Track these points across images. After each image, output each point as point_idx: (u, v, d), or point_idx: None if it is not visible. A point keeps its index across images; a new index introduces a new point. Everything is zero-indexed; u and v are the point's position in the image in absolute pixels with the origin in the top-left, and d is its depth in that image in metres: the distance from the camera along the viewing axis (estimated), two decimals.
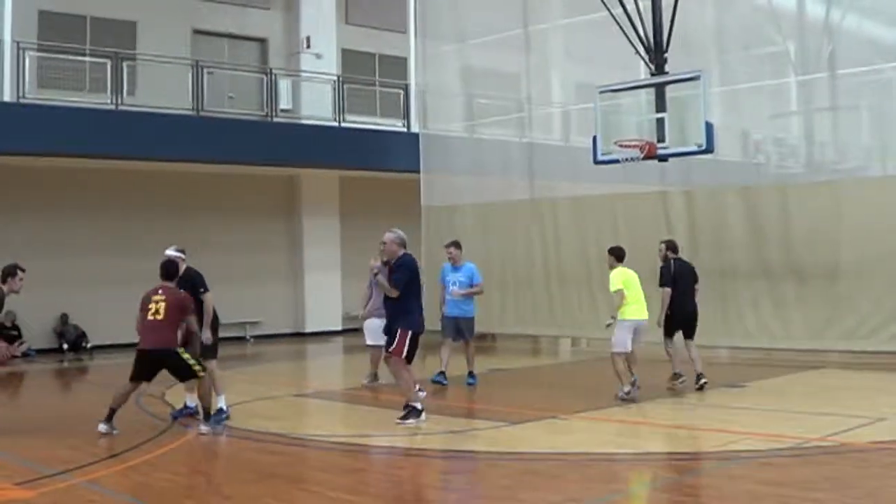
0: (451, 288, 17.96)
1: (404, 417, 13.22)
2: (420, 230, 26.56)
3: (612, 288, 15.70)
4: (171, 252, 14.08)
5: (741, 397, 15.36)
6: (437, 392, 16.52)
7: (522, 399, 15.68)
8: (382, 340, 14.54)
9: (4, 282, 12.99)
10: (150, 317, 13.12)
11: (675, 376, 16.45)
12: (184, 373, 13.17)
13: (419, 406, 13.30)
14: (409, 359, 13.50)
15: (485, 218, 24.85)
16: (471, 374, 17.87)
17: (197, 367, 13.05)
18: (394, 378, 13.73)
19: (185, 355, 13.04)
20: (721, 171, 21.81)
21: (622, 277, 15.78)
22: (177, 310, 13.17)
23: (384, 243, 14.37)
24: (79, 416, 14.65)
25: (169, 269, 13.74)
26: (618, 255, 16.21)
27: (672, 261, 16.75)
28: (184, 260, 14.10)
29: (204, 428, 13.06)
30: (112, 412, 12.93)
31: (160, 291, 13.35)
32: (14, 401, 18.56)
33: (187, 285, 13.82)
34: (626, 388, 15.07)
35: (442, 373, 17.56)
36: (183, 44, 28.75)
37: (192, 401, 14.03)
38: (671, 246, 17.03)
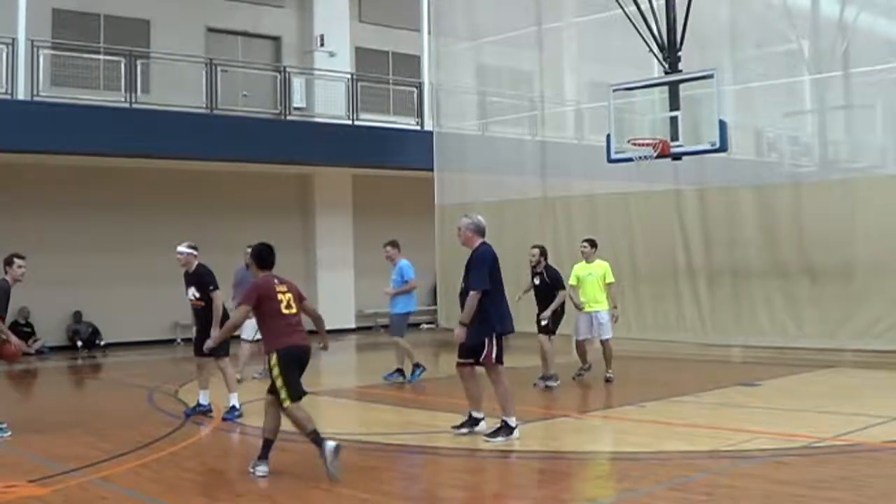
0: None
1: (493, 434, 11.97)
2: (433, 229, 26.59)
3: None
4: (182, 248, 14.09)
5: (755, 396, 15.33)
6: (450, 390, 16.52)
7: (534, 398, 15.66)
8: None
9: (6, 273, 13.03)
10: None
11: (551, 378, 16.81)
12: None
13: (513, 423, 11.98)
14: (499, 361, 12.42)
15: (498, 216, 24.77)
16: (399, 371, 17.98)
17: None
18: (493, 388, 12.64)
19: None
20: (734, 170, 21.77)
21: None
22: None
23: (459, 229, 13.33)
24: (92, 414, 14.70)
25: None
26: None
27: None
28: (195, 256, 14.13)
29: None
30: None
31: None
32: (28, 398, 18.62)
33: (197, 282, 13.86)
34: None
35: (399, 370, 17.88)
36: (197, 42, 28.80)
37: (206, 398, 14.08)
38: (545, 252, 17.31)
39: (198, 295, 13.89)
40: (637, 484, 9.80)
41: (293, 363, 10.29)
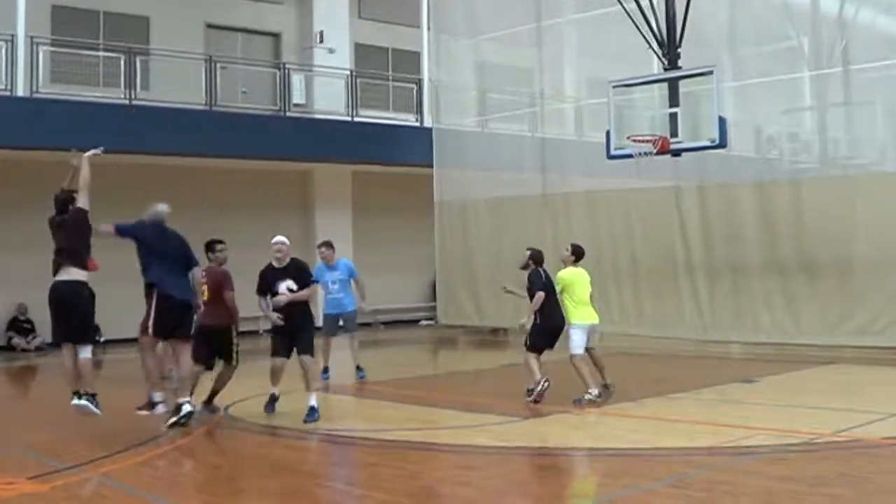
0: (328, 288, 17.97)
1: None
2: (433, 225, 26.61)
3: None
4: (285, 240, 14.16)
5: (754, 392, 15.32)
6: (448, 387, 16.54)
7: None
8: None
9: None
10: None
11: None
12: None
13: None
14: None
15: (497, 213, 24.87)
16: (359, 368, 18.01)
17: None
18: None
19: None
20: (734, 166, 21.77)
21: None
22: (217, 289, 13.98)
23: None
24: None
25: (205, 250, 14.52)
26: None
27: (540, 270, 15.12)
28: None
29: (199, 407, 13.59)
30: None
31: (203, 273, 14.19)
32: (27, 395, 18.61)
33: (296, 275, 13.95)
34: (595, 391, 14.51)
35: (325, 369, 17.85)
36: (196, 38, 28.79)
37: (315, 401, 13.70)
38: (535, 257, 15.28)
39: (294, 288, 13.71)
40: (636, 480, 9.81)
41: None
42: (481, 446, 11.56)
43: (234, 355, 14.01)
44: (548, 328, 14.76)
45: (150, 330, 13.01)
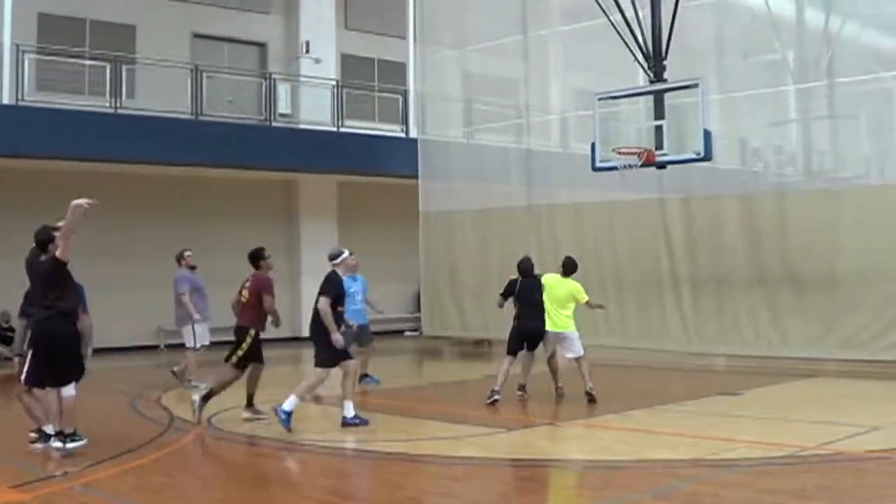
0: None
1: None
2: (418, 236, 26.61)
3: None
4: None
5: (738, 405, 15.35)
6: (433, 398, 16.54)
7: (518, 405, 15.67)
8: None
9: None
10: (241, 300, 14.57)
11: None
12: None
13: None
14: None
15: (483, 224, 24.86)
16: (370, 375, 18.36)
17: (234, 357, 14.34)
18: None
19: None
20: (719, 179, 21.80)
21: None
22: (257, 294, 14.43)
23: None
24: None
25: (254, 258, 15.00)
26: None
27: (517, 279, 16.56)
28: None
29: (246, 414, 14.26)
30: None
31: (249, 278, 14.79)
32: (10, 403, 18.53)
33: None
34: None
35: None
36: (182, 47, 28.76)
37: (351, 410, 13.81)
38: (519, 266, 16.81)
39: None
40: (621, 492, 9.81)
41: None
42: (465, 457, 11.55)
43: (234, 357, 14.29)
44: (517, 332, 16.19)
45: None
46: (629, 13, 18.27)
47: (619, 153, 17.65)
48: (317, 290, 14.31)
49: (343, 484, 10.32)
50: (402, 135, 30.05)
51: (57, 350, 11.89)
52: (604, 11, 18.72)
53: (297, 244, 30.40)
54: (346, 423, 13.55)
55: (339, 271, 14.35)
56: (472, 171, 25.48)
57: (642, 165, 17.52)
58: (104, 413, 15.63)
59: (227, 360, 14.37)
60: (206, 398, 14.14)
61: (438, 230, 26.13)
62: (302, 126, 28.58)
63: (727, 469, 10.59)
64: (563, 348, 16.20)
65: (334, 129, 28.75)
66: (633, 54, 18.27)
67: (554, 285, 16.17)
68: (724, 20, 22.60)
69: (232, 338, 14.56)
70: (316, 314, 13.81)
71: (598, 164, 18.17)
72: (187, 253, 18.63)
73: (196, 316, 17.99)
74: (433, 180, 26.43)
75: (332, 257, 14.53)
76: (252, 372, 14.46)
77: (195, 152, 25.46)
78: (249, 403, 14.38)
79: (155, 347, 27.06)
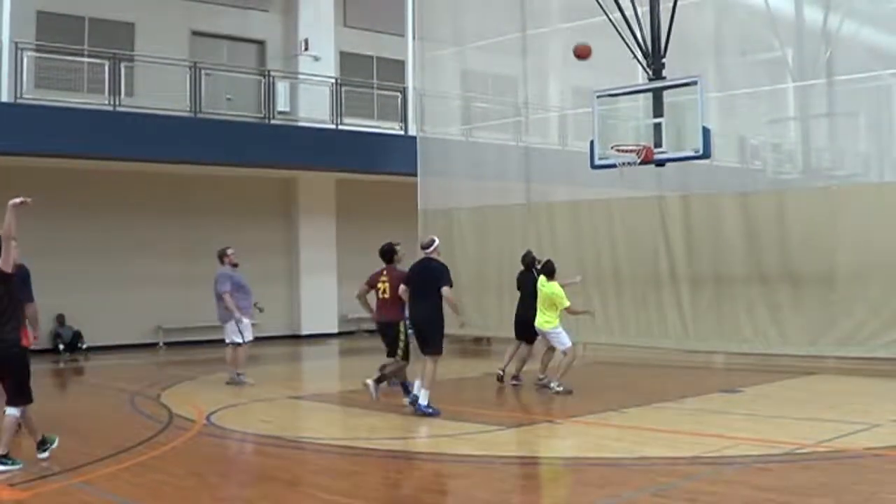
0: None
1: None
2: (417, 233, 26.58)
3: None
4: None
5: (737, 402, 15.35)
6: (431, 395, 16.53)
7: (518, 403, 15.67)
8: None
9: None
10: (379, 295, 15.29)
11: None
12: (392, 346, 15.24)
13: None
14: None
15: (481, 222, 24.83)
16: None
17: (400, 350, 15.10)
18: None
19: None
20: (718, 177, 21.83)
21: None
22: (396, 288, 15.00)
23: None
24: (73, 417, 14.65)
25: (387, 253, 15.62)
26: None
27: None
28: None
29: (369, 381, 15.00)
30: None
31: (384, 272, 15.37)
32: None
33: None
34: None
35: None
36: (181, 45, 28.74)
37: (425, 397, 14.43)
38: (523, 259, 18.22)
39: None
40: (619, 490, 9.81)
41: None
42: (464, 455, 11.55)
43: (400, 350, 15.16)
44: (515, 320, 17.97)
45: None
46: (628, 10, 18.26)
47: (618, 151, 17.63)
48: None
49: (342, 482, 10.31)
50: (401, 132, 30.05)
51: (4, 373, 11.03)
52: (603, 9, 18.70)
53: (295, 242, 30.41)
54: (420, 410, 14.14)
55: (436, 257, 14.93)
56: (470, 168, 25.47)
57: (641, 163, 17.50)
58: (103, 411, 15.64)
59: (394, 354, 15.19)
60: (378, 381, 15.09)
61: (437, 227, 26.05)
62: (301, 124, 28.57)
63: (726, 466, 10.59)
64: (551, 343, 16.89)
65: (333, 126, 28.73)
66: (632, 52, 18.26)
67: (541, 286, 16.85)
68: (723, 18, 22.61)
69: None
70: (426, 307, 14.38)
71: (596, 162, 18.15)
72: (230, 251, 18.61)
73: (237, 315, 17.98)
74: (432, 178, 26.39)
75: (426, 246, 15.11)
76: (393, 364, 15.27)
77: (194, 150, 25.45)
78: (380, 380, 15.20)
79: (154, 345, 27.07)
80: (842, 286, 19.30)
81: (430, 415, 14.01)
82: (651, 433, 12.82)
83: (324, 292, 30.22)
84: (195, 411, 14.71)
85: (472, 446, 12.16)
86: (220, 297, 18.19)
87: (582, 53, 17.47)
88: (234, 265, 18.51)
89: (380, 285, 15.24)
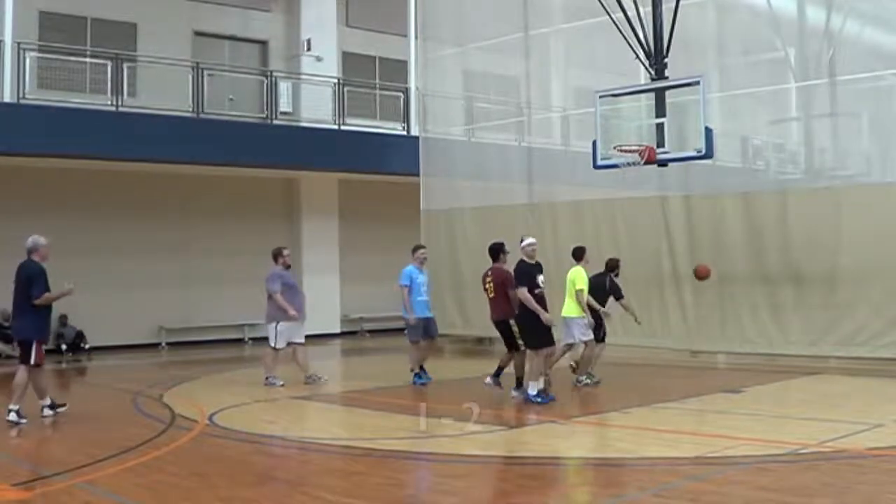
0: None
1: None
2: (419, 233, 26.58)
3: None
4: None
5: (739, 403, 15.34)
6: (435, 396, 16.55)
7: (521, 403, 15.67)
8: None
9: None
10: (488, 294, 16.16)
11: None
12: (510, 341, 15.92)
13: None
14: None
15: (484, 222, 24.82)
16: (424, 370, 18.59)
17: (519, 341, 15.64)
18: None
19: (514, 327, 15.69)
20: (720, 177, 21.80)
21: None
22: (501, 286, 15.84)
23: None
24: (76, 418, 14.65)
25: (494, 251, 16.42)
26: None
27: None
28: None
29: (514, 393, 15.68)
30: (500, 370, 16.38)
31: (489, 272, 16.20)
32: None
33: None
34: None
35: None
36: (183, 45, 28.78)
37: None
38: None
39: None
40: (621, 490, 9.82)
41: None
42: (467, 455, 11.55)
43: (518, 342, 15.73)
44: None
45: None
46: (630, 11, 18.27)
47: (621, 151, 17.65)
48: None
49: (345, 482, 10.31)
50: (404, 132, 30.08)
51: None
52: (605, 9, 18.71)
53: (298, 242, 30.39)
54: (528, 399, 15.13)
55: (523, 256, 15.68)
56: (473, 168, 25.48)
57: (643, 163, 17.51)
58: (106, 411, 15.65)
59: (514, 349, 15.89)
60: (518, 382, 15.81)
61: (440, 228, 26.11)
62: (303, 124, 28.59)
63: (729, 466, 10.59)
64: (571, 332, 17.09)
65: (335, 126, 28.76)
66: (635, 52, 18.27)
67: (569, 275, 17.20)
68: (725, 18, 22.59)
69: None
70: (521, 304, 15.22)
71: (599, 162, 18.16)
72: (286, 251, 18.64)
73: (291, 312, 17.94)
74: (434, 178, 26.42)
75: (521, 244, 15.81)
76: (517, 358, 15.94)
77: (196, 150, 25.47)
78: (519, 385, 15.80)
79: (156, 345, 27.08)
80: (844, 286, 19.32)
81: (540, 403, 14.87)
82: (653, 433, 12.82)
83: (326, 292, 30.19)
84: (198, 411, 14.72)
85: (475, 446, 12.16)
86: (270, 296, 18.17)
87: (703, 273, 18.49)
88: (288, 266, 18.49)
89: (487, 285, 16.02)
